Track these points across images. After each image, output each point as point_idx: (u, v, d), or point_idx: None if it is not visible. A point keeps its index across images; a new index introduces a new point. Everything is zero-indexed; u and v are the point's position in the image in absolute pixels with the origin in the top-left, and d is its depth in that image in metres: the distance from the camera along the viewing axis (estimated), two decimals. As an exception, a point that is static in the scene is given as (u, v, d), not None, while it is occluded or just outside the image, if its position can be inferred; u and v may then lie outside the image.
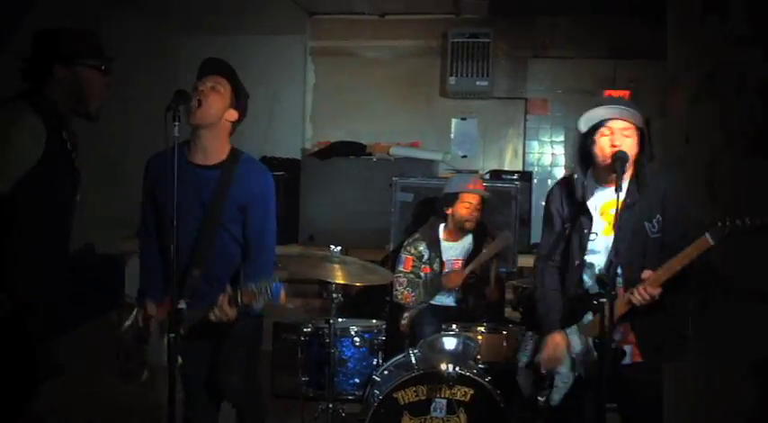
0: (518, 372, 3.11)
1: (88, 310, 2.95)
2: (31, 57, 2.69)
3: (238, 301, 2.67)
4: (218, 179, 2.82)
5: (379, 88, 6.67)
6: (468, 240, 4.41)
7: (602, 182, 2.91)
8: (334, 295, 3.38)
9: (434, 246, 4.36)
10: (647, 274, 2.71)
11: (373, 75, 6.68)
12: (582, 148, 2.89)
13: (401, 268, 4.36)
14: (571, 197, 2.97)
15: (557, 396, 2.91)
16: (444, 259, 4.36)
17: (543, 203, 3.30)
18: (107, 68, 2.77)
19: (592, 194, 2.93)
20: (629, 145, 2.80)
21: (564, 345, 2.88)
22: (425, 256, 4.36)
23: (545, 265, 3.05)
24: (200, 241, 2.82)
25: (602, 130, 2.80)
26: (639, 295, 2.68)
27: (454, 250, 4.41)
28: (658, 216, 2.83)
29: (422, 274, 4.33)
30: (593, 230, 2.88)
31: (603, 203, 2.90)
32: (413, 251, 4.38)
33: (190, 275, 2.79)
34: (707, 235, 2.56)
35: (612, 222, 2.70)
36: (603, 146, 2.80)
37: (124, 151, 4.74)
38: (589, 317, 2.84)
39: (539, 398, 2.92)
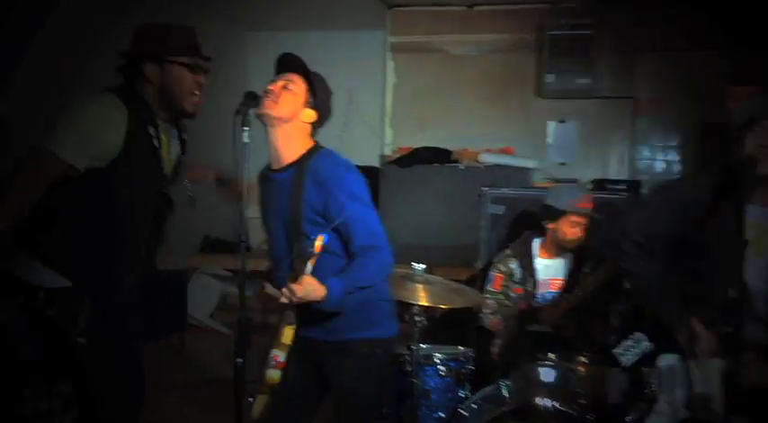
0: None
1: (151, 329, 3.07)
2: (125, 52, 2.86)
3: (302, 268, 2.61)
4: (290, 180, 2.83)
5: (466, 88, 6.70)
6: (567, 258, 4.33)
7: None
8: (417, 319, 3.36)
9: (528, 263, 4.30)
10: None
11: (460, 73, 6.71)
12: (727, 144, 2.73)
13: (489, 288, 4.31)
14: (709, 199, 2.73)
15: None
16: (539, 279, 4.29)
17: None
18: (198, 67, 2.86)
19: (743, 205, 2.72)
20: None
21: (713, 341, 2.68)
22: (517, 275, 4.30)
23: (636, 252, 2.86)
24: (291, 256, 2.84)
25: (758, 127, 2.64)
26: None
27: (551, 269, 4.34)
28: None
29: (512, 294, 4.29)
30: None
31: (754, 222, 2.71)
32: (503, 269, 4.32)
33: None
34: None
35: (759, 247, 2.59)
36: (750, 144, 2.63)
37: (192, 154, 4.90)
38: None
39: (628, 416, 2.83)
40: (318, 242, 2.54)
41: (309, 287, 2.60)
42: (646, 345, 2.92)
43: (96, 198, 2.74)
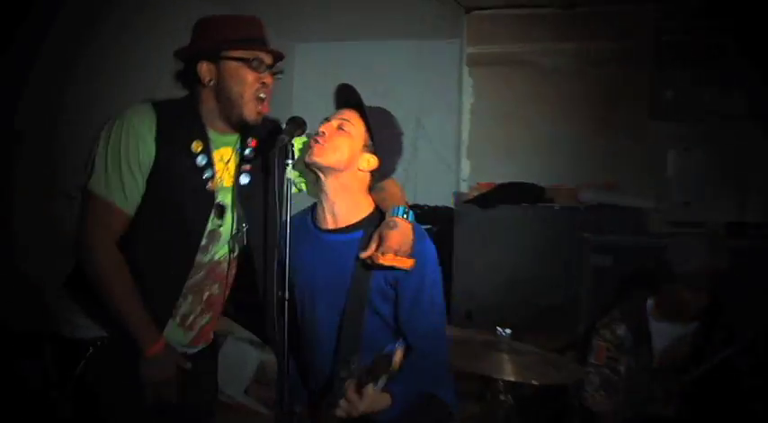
0: None
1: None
2: (179, 52, 2.90)
3: (370, 381, 2.61)
4: (358, 243, 2.86)
5: (562, 109, 6.59)
6: (692, 323, 4.18)
7: None
8: (503, 397, 3.38)
9: (640, 329, 4.22)
10: None
11: (554, 90, 6.61)
12: None
13: (592, 360, 4.24)
14: None
15: None
16: (656, 348, 4.19)
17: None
18: (261, 63, 2.85)
19: None
20: None
21: None
22: (627, 344, 4.21)
23: None
24: (344, 330, 2.89)
25: None
26: None
27: (670, 336, 4.21)
28: None
29: (621, 369, 4.21)
30: None
31: None
32: (609, 336, 4.24)
33: (337, 376, 2.81)
34: None
35: None
36: None
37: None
38: None
39: None
40: (398, 357, 2.57)
41: (375, 401, 2.65)
42: None
43: (132, 236, 2.83)
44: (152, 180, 2.80)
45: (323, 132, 2.83)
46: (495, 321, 3.52)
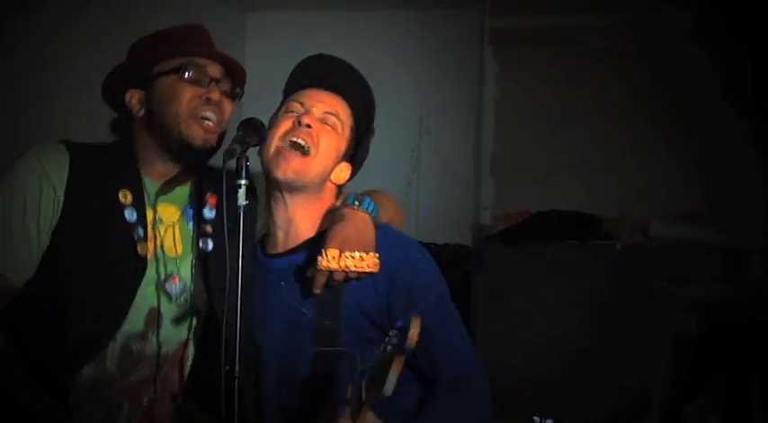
0: None
1: None
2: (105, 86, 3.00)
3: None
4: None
5: (624, 107, 6.44)
6: None
7: None
8: None
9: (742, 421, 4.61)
10: None
11: (614, 80, 6.46)
12: None
13: None
14: None
15: None
16: None
17: None
18: (200, 73, 2.91)
19: None
20: None
21: None
22: None
23: None
24: (313, 383, 2.90)
25: None
26: None
27: None
28: None
29: None
30: None
31: None
32: None
33: None
34: None
35: None
36: None
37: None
38: None
39: None
40: (415, 328, 2.45)
41: None
42: None
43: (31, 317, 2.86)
44: (59, 242, 2.81)
45: (308, 125, 2.82)
46: (531, 409, 3.45)
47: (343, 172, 2.94)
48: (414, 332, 2.44)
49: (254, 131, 2.70)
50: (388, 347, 2.49)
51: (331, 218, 2.91)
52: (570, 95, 6.54)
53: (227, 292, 2.69)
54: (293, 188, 2.87)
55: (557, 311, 5.86)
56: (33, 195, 2.82)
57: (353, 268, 2.76)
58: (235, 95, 2.98)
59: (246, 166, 2.62)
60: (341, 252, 2.76)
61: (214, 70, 2.91)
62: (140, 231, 2.88)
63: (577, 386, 5.62)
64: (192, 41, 2.98)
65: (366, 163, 3.06)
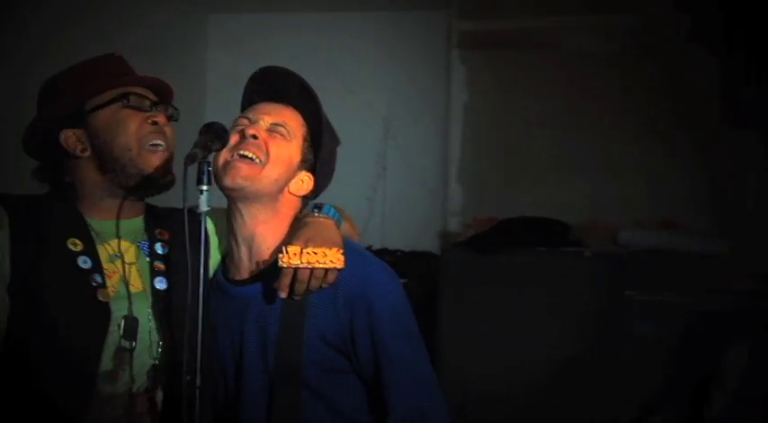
0: None
1: None
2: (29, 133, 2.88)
3: None
4: (274, 297, 2.75)
5: (595, 112, 6.03)
6: None
7: None
8: None
9: None
10: None
11: (585, 84, 6.03)
12: None
13: None
14: None
15: None
16: None
17: None
18: (140, 98, 2.79)
19: None
20: None
21: None
22: None
23: None
24: (274, 416, 2.77)
25: None
26: None
27: None
28: None
29: None
30: None
31: None
32: None
33: None
34: None
35: None
36: None
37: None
38: None
39: None
40: None
41: None
42: None
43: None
44: (16, 303, 2.64)
45: (253, 135, 2.71)
46: (499, 421, 3.64)
47: (304, 182, 2.76)
48: None
49: (217, 137, 2.58)
50: None
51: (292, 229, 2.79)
52: (540, 100, 6.14)
53: (188, 320, 2.55)
54: (247, 198, 2.71)
55: (526, 320, 5.44)
56: None
57: (317, 264, 2.61)
58: (173, 117, 2.79)
59: (209, 171, 2.49)
60: (302, 248, 2.60)
61: (149, 95, 2.77)
62: (97, 278, 2.70)
63: (546, 397, 5.23)
64: (118, 72, 2.82)
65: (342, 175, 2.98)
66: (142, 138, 2.71)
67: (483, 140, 6.28)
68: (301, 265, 2.61)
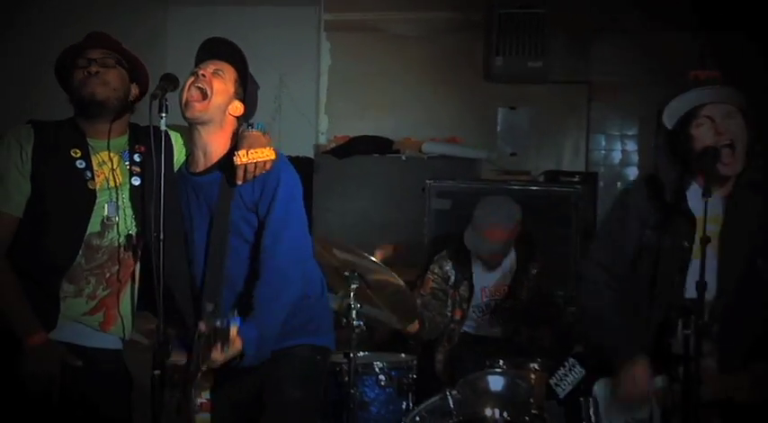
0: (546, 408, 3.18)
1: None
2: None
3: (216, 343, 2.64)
4: (220, 178, 2.90)
5: (409, 72, 6.73)
6: (509, 259, 4.40)
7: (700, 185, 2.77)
8: (356, 323, 3.44)
9: (464, 266, 4.37)
10: (759, 370, 2.65)
11: (402, 55, 6.74)
12: (673, 146, 2.84)
13: (421, 291, 4.39)
14: (658, 199, 2.89)
15: None
16: (478, 285, 4.37)
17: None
18: (84, 52, 2.96)
19: (687, 201, 2.86)
20: (739, 134, 2.74)
21: (646, 376, 2.81)
22: (452, 279, 4.37)
23: (604, 278, 2.99)
24: (210, 258, 2.93)
25: (698, 120, 2.77)
26: (744, 395, 2.64)
27: (491, 273, 4.41)
28: None
29: (449, 301, 4.37)
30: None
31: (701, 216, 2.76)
32: (437, 270, 4.40)
33: (204, 310, 2.85)
34: None
35: (716, 242, 2.67)
36: (703, 138, 2.75)
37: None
38: (659, 381, 2.81)
39: None
40: (234, 331, 2.56)
41: (230, 352, 2.66)
42: (579, 370, 3.05)
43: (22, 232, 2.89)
44: (37, 185, 2.87)
45: (203, 75, 2.87)
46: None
47: (237, 107, 2.93)
48: (233, 335, 2.55)
49: (170, 81, 2.75)
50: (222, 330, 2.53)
51: (236, 140, 2.91)
52: (377, 64, 6.75)
53: (154, 199, 2.74)
54: (201, 122, 2.90)
55: (368, 198, 6.09)
56: (16, 158, 2.86)
57: (259, 159, 2.77)
58: (105, 64, 2.94)
59: (165, 104, 2.66)
60: (248, 151, 2.78)
61: (92, 53, 2.93)
62: (88, 174, 2.92)
63: (380, 244, 5.58)
64: (92, 39, 2.99)
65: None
66: (81, 78, 2.92)
67: (340, 88, 6.86)
68: (250, 161, 2.78)
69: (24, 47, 4.67)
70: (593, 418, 2.92)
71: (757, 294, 2.74)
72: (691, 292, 2.66)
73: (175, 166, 3.07)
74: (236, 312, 2.56)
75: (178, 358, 2.84)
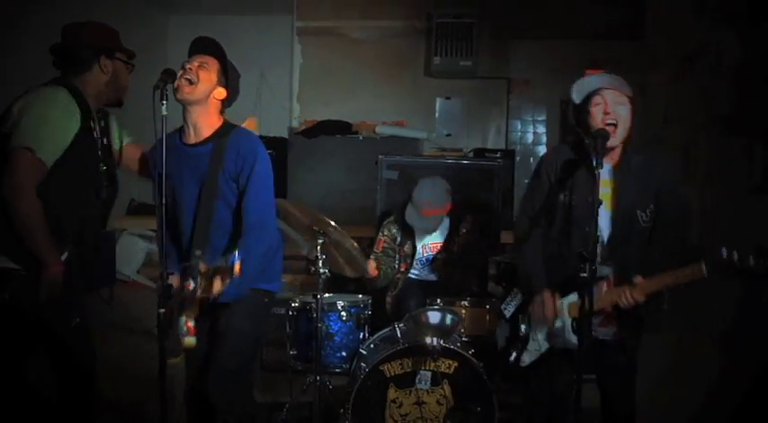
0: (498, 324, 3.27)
1: (87, 283, 3.02)
2: (65, 47, 2.92)
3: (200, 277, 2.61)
4: (210, 151, 2.88)
5: (365, 68, 6.85)
6: (444, 222, 4.30)
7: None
8: (322, 271, 3.41)
9: (407, 229, 4.28)
10: (639, 279, 2.79)
11: (360, 55, 6.87)
12: (576, 115, 2.92)
13: (375, 249, 4.33)
14: (569, 163, 2.97)
15: (527, 359, 3.05)
16: (419, 243, 4.30)
17: (526, 181, 3.38)
18: (131, 64, 3.01)
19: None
20: (623, 116, 2.85)
21: (553, 304, 2.94)
22: (398, 239, 4.31)
23: (528, 226, 3.07)
24: (200, 215, 2.88)
25: (596, 99, 2.85)
26: (626, 300, 2.78)
27: (429, 234, 4.31)
28: (652, 206, 2.89)
29: (397, 257, 4.30)
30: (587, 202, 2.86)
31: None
32: (386, 232, 4.34)
33: (193, 253, 2.82)
34: (702, 266, 2.61)
35: (609, 200, 2.83)
36: (596, 115, 2.85)
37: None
38: (573, 297, 2.91)
39: (511, 355, 3.06)
40: (237, 267, 2.51)
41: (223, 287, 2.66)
42: (519, 298, 3.18)
43: (47, 183, 2.81)
44: (72, 142, 2.83)
45: (189, 68, 2.84)
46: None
47: (221, 92, 2.87)
48: (236, 269, 2.44)
49: (169, 75, 2.65)
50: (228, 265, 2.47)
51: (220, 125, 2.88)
52: (339, 61, 6.80)
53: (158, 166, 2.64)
54: (190, 103, 2.85)
55: (332, 170, 6.08)
56: (67, 121, 2.79)
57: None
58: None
59: (166, 93, 2.56)
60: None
61: (132, 60, 2.98)
62: (105, 141, 2.97)
63: (342, 207, 5.63)
64: (120, 41, 2.98)
65: (239, 97, 2.96)
66: (126, 82, 2.95)
67: (310, 81, 6.93)
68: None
69: (29, 47, 4.32)
70: (525, 328, 3.08)
71: (638, 235, 2.91)
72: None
73: (114, 140, 3.12)
74: (236, 253, 2.52)
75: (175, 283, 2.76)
